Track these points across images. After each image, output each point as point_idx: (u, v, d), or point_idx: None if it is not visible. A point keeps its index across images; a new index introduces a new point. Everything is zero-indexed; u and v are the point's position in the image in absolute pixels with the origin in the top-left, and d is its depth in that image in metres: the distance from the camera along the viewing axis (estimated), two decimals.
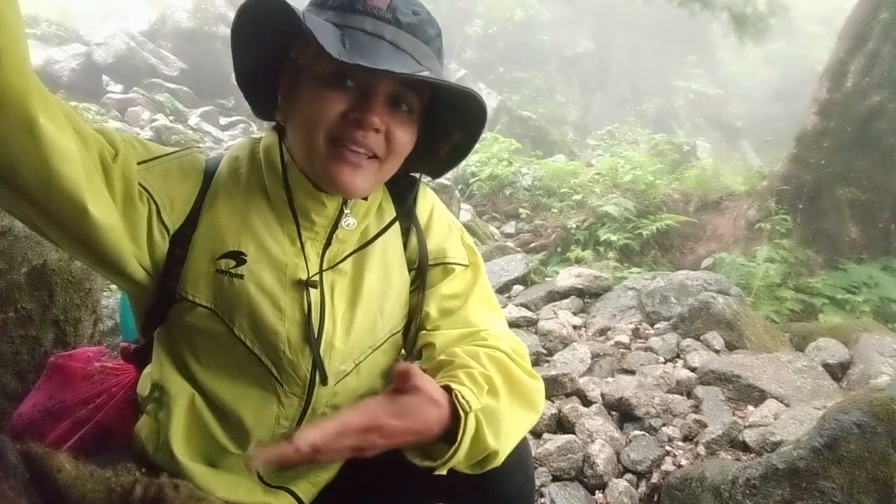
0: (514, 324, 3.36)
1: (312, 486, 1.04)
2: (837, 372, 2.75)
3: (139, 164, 0.87)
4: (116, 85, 9.97)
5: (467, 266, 1.07)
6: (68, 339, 1.63)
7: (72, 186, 0.73)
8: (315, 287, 0.94)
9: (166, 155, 0.93)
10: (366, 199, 0.98)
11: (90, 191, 0.76)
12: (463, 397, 0.82)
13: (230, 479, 0.97)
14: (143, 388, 1.03)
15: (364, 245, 1.00)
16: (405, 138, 0.90)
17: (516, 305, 3.77)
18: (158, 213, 0.88)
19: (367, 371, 1.01)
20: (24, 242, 1.49)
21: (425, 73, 0.83)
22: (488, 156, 8.31)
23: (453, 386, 0.82)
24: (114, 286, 2.75)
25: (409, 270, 1.06)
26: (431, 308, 1.03)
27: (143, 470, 0.61)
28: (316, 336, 0.94)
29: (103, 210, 0.78)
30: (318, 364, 0.94)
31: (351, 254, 0.99)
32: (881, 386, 1.79)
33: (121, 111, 8.86)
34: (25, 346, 1.52)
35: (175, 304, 0.93)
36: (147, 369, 1.03)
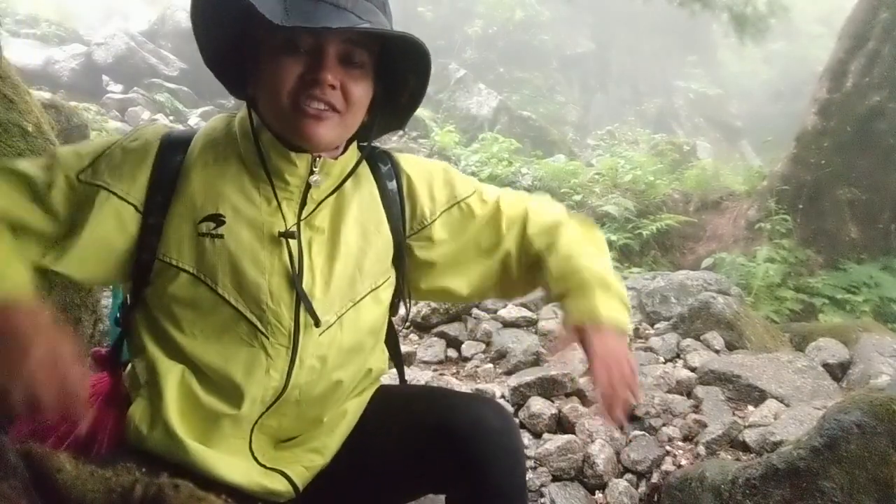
0: (513, 324, 3.35)
1: (307, 470, 1.05)
2: (837, 372, 2.75)
3: (84, 169, 0.96)
4: (116, 85, 9.96)
5: (474, 192, 1.16)
6: None
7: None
8: (293, 237, 0.99)
9: (108, 147, 0.99)
10: (335, 158, 1.03)
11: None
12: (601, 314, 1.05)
13: (225, 460, 0.97)
14: (131, 377, 1.04)
15: (337, 188, 1.05)
16: (360, 92, 0.97)
17: (516, 305, 3.76)
18: (120, 199, 0.95)
19: (350, 324, 1.04)
20: None
21: (364, 25, 0.90)
22: (488, 156, 8.30)
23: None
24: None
25: (424, 226, 1.13)
26: (481, 238, 1.16)
27: (143, 469, 0.61)
28: (297, 285, 0.98)
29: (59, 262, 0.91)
30: (306, 303, 0.98)
31: (324, 199, 1.04)
32: (881, 386, 1.79)
33: (121, 111, 8.86)
34: None
35: (157, 277, 0.97)
36: (131, 356, 1.05)
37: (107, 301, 2.12)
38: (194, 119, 9.17)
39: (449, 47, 14.09)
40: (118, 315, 1.09)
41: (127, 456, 0.95)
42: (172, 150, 1.00)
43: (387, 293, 1.12)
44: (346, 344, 1.04)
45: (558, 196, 7.28)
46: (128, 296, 1.05)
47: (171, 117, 9.08)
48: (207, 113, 9.48)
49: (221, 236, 0.96)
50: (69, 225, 0.94)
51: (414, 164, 1.17)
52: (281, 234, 0.98)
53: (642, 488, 1.97)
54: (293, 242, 0.99)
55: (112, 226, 0.95)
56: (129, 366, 1.06)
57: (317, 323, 0.99)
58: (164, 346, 0.98)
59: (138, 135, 1.02)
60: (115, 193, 0.95)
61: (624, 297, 1.11)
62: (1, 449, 0.53)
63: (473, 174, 7.91)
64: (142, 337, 1.00)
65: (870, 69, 5.56)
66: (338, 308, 1.02)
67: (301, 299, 0.98)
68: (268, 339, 0.97)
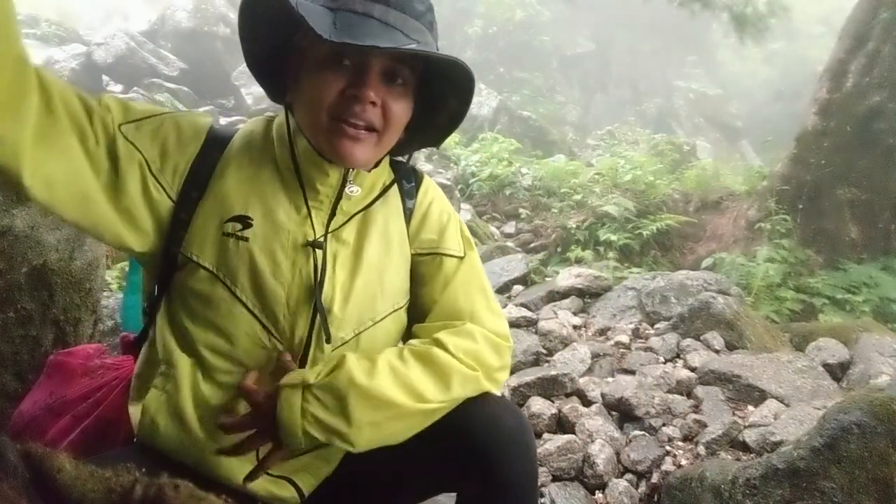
0: (514, 324, 3.35)
1: (313, 477, 1.05)
2: (837, 372, 2.75)
3: (129, 122, 0.91)
4: (116, 85, 9.96)
5: (461, 258, 1.11)
6: (68, 339, 1.63)
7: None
8: (320, 248, 0.98)
9: (159, 114, 0.96)
10: (368, 171, 1.02)
11: (34, 162, 0.79)
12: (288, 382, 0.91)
13: (234, 462, 0.98)
14: (145, 366, 1.04)
15: (367, 206, 1.04)
16: (400, 110, 0.96)
17: (516, 305, 3.77)
18: (149, 168, 0.92)
19: (367, 343, 1.03)
20: (24, 242, 1.49)
21: (412, 46, 0.88)
22: (488, 156, 8.30)
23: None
24: (114, 286, 2.75)
25: (422, 254, 1.10)
26: (425, 300, 1.08)
27: (144, 468, 0.61)
28: (316, 298, 0.97)
29: (59, 180, 0.83)
30: (321, 314, 0.97)
31: (353, 215, 1.03)
32: (881, 386, 1.79)
33: None
34: (25, 346, 1.52)
35: (178, 270, 0.96)
36: (145, 349, 1.04)
37: (107, 301, 2.12)
38: None
39: (449, 47, 14.03)
40: (145, 305, 1.08)
41: (134, 454, 0.95)
42: (215, 146, 0.99)
43: (405, 317, 1.10)
44: None
45: (558, 196, 7.29)
46: (154, 286, 1.04)
47: None
48: (207, 113, 9.48)
49: (246, 239, 0.96)
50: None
51: (439, 194, 1.16)
52: (309, 244, 0.98)
53: (642, 488, 1.97)
54: (319, 253, 0.98)
55: (138, 194, 0.92)
56: (143, 355, 1.05)
57: (328, 339, 0.98)
58: (181, 338, 0.98)
59: (192, 118, 1.01)
60: (148, 165, 0.92)
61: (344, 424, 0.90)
62: (1, 449, 0.53)
63: (473, 174, 7.93)
64: (161, 329, 1.00)
65: (870, 69, 5.56)
66: (355, 325, 1.01)
67: (318, 312, 0.97)
68: (280, 347, 0.97)
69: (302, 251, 0.98)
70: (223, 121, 9.62)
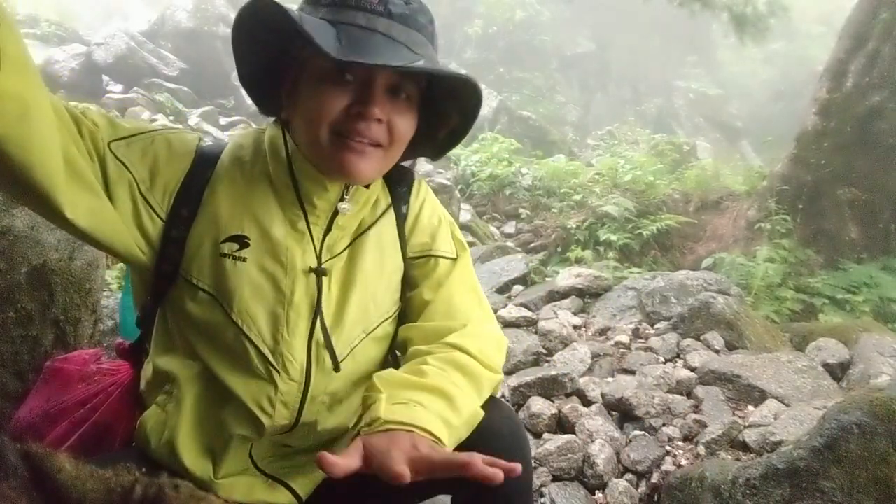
0: (513, 324, 3.35)
1: (309, 480, 1.04)
2: (837, 372, 2.75)
3: (119, 139, 0.89)
4: (116, 85, 9.96)
5: (454, 259, 1.10)
6: (68, 339, 1.63)
7: (47, 185, 0.75)
8: (325, 275, 0.97)
9: (148, 132, 0.94)
10: (367, 186, 1.01)
11: (68, 191, 0.78)
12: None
13: (225, 484, 0.97)
14: (149, 379, 1.03)
15: (361, 233, 1.03)
16: (405, 126, 0.94)
17: (516, 305, 3.76)
18: (138, 188, 0.90)
19: (362, 357, 1.02)
20: (24, 242, 1.49)
21: (420, 63, 0.86)
22: (488, 156, 8.31)
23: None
24: (114, 286, 2.75)
25: (404, 259, 1.09)
26: (416, 302, 1.07)
27: (143, 469, 0.61)
28: (313, 320, 0.96)
29: (84, 203, 0.81)
30: (328, 344, 0.96)
31: (350, 244, 1.02)
32: (881, 386, 1.79)
33: (121, 111, 8.85)
34: (25, 346, 1.52)
35: (174, 287, 0.95)
36: (150, 359, 1.04)
37: (107, 301, 2.12)
38: (194, 119, 9.17)
39: (449, 47, 14.09)
40: (139, 316, 1.07)
41: (134, 455, 0.96)
42: (204, 164, 0.96)
43: (395, 325, 1.09)
44: (355, 377, 1.02)
45: (558, 196, 7.29)
46: (147, 299, 1.03)
47: (171, 117, 9.06)
48: (207, 113, 9.48)
49: (244, 259, 0.93)
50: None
51: (430, 196, 1.15)
52: (312, 270, 0.96)
53: (642, 488, 1.97)
54: (314, 277, 0.96)
55: (128, 214, 0.90)
56: (146, 367, 1.05)
57: (336, 367, 0.97)
58: (183, 361, 0.97)
59: (181, 135, 0.98)
60: (137, 185, 0.89)
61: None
62: (1, 449, 0.53)
63: (473, 174, 7.93)
64: (164, 343, 0.99)
65: (870, 69, 5.56)
66: (351, 340, 1.00)
67: (324, 338, 0.97)
68: (279, 373, 0.95)
69: (302, 272, 0.96)
70: (223, 121, 9.63)
